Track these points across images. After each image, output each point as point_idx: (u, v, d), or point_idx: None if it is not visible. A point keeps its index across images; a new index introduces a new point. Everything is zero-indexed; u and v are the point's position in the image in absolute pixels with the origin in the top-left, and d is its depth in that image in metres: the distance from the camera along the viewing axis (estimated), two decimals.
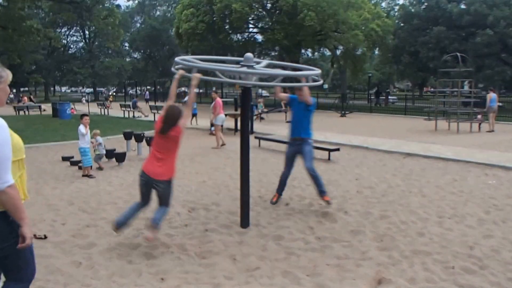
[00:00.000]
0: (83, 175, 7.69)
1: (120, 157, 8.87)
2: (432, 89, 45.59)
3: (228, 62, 5.99)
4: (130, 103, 24.48)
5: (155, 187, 4.23)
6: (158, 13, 66.69)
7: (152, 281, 3.60)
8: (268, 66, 5.51)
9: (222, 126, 12.07)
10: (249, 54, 4.87)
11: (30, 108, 26.80)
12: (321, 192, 5.62)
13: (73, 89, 79.80)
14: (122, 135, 11.36)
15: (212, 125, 13.57)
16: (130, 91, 58.56)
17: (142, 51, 64.24)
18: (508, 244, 4.36)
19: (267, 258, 4.06)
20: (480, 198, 6.17)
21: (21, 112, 25.94)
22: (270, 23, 30.87)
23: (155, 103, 30.03)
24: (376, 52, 40.46)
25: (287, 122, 19.65)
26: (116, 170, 8.35)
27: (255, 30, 34.29)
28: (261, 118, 20.23)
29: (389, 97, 38.41)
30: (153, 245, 4.34)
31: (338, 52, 33.74)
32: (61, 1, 29.52)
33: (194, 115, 17.14)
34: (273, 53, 37.46)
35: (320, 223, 5.09)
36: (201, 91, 57.79)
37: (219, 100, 12.39)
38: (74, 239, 4.57)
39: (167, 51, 61.01)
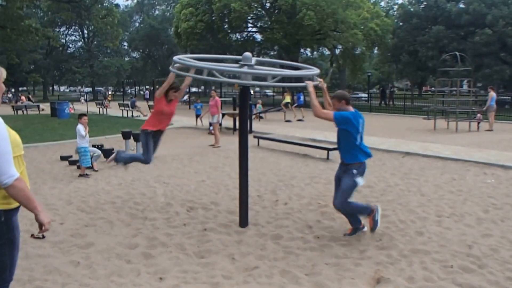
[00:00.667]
0: (79, 175, 7.69)
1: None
2: (431, 88, 45.63)
3: (226, 61, 6.02)
4: (129, 103, 24.45)
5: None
6: (157, 12, 66.73)
7: (151, 280, 3.59)
8: (257, 64, 5.42)
9: (220, 124, 12.08)
10: (247, 54, 4.86)
11: (28, 108, 26.75)
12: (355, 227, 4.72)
13: (72, 88, 79.64)
14: (120, 135, 11.33)
15: (210, 124, 13.57)
16: (129, 91, 58.53)
17: (141, 51, 64.15)
18: (507, 243, 4.36)
19: (266, 258, 4.05)
20: (479, 197, 6.16)
21: (20, 112, 25.90)
22: (269, 23, 30.90)
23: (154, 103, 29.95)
24: (375, 51, 40.48)
25: (286, 121, 19.73)
26: (115, 170, 8.33)
27: (254, 29, 34.32)
28: (260, 118, 20.22)
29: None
30: (151, 245, 4.34)
31: (337, 51, 33.76)
32: (60, 1, 29.45)
33: (197, 115, 17.15)
34: (272, 53, 37.48)
35: (319, 222, 5.09)
36: (200, 90, 57.79)
37: (218, 99, 12.39)
38: (72, 238, 4.57)
39: (166, 51, 60.96)
